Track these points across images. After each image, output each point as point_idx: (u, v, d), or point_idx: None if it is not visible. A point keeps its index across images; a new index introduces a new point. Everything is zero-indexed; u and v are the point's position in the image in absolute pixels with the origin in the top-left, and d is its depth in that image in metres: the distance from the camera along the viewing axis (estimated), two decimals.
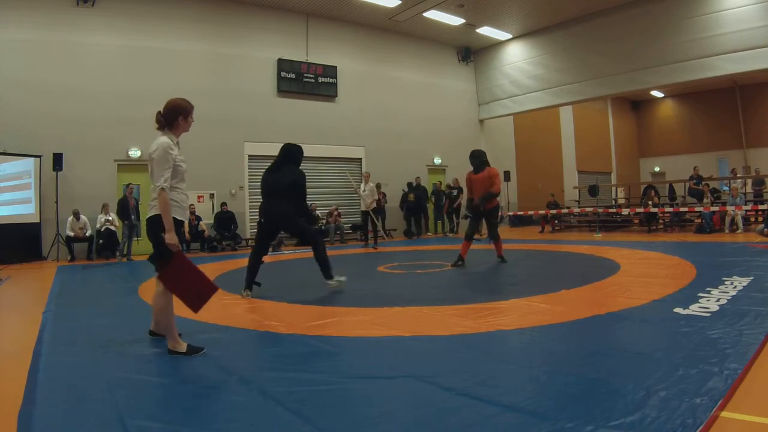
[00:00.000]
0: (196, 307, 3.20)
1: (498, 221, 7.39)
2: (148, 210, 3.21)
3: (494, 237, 7.10)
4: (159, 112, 3.21)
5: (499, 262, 7.08)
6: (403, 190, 14.27)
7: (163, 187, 3.02)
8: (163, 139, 3.13)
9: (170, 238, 3.02)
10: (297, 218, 5.18)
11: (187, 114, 3.25)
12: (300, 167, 5.24)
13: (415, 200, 14.17)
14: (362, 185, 10.74)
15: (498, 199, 7.12)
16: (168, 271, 3.07)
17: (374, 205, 10.70)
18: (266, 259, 9.64)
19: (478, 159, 7.02)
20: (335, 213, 13.13)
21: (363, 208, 10.72)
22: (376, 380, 2.57)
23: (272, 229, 5.34)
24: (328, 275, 5.22)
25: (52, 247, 9.99)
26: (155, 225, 3.08)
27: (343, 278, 5.29)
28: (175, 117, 3.21)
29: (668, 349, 2.82)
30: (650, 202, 12.59)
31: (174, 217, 3.06)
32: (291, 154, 5.23)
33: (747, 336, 2.96)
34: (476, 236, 7.01)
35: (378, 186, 13.27)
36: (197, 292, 3.15)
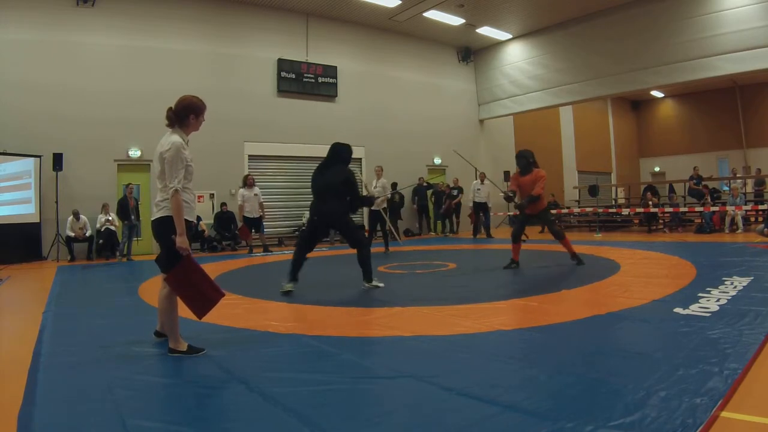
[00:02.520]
0: (201, 313, 3.18)
1: (554, 219, 6.94)
2: (152, 209, 3.15)
3: (557, 235, 6.55)
4: (170, 108, 3.14)
5: (574, 263, 6.46)
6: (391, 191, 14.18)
7: (176, 188, 2.97)
8: (176, 139, 3.06)
9: (181, 241, 2.98)
10: (348, 218, 5.28)
11: (199, 113, 3.19)
12: (349, 165, 5.35)
13: (420, 200, 14.42)
14: (374, 181, 9.95)
15: (545, 201, 6.66)
16: (175, 274, 3.04)
17: (385, 203, 9.83)
18: (266, 259, 9.63)
19: (525, 160, 6.49)
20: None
21: (373, 207, 9.60)
22: (376, 380, 2.57)
23: (324, 227, 5.39)
24: (368, 278, 5.30)
25: (52, 247, 9.98)
26: (165, 227, 3.03)
27: (381, 284, 5.34)
28: (186, 115, 3.15)
29: (668, 349, 2.83)
30: (650, 203, 12.60)
31: (185, 219, 3.02)
32: (339, 152, 5.34)
33: (747, 336, 2.96)
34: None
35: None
36: (204, 297, 3.12)
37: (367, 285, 5.29)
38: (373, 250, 9.67)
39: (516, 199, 6.53)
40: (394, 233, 12.33)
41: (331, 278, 5.54)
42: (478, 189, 12.74)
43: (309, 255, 5.38)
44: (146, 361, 3.04)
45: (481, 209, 12.81)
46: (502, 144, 17.83)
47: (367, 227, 10.47)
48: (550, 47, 14.99)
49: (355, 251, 5.34)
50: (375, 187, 9.73)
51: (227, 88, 12.06)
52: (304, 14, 13.43)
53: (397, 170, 14.41)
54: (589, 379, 2.42)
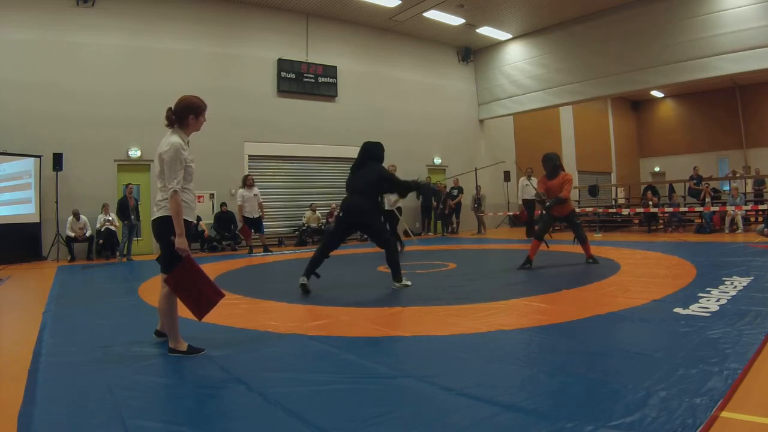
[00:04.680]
0: (200, 314, 3.17)
1: (580, 222, 6.81)
2: (152, 209, 3.14)
3: (581, 238, 6.59)
4: (170, 108, 3.13)
5: (590, 263, 6.53)
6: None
7: (176, 189, 2.96)
8: (175, 139, 3.05)
9: (181, 243, 2.97)
10: (376, 218, 5.25)
11: (199, 113, 3.18)
12: (383, 163, 5.35)
13: (424, 200, 14.43)
14: None
15: (571, 204, 6.66)
16: (175, 275, 3.03)
17: (399, 203, 9.68)
18: (266, 260, 9.62)
19: (551, 163, 6.52)
20: (335, 213, 13.14)
21: (387, 207, 9.40)
22: (376, 380, 2.56)
23: (350, 224, 5.33)
24: (398, 278, 5.28)
25: (52, 247, 9.99)
26: (164, 227, 3.03)
27: (409, 282, 5.33)
28: (186, 115, 3.13)
29: (668, 349, 2.82)
30: (650, 203, 12.60)
31: (184, 219, 3.01)
32: (369, 150, 5.34)
33: (747, 336, 2.96)
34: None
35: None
36: (203, 298, 3.12)
37: (397, 285, 5.26)
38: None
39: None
40: (408, 231, 12.45)
41: (331, 278, 5.54)
42: (526, 185, 12.11)
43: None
44: (146, 361, 3.04)
45: (529, 207, 12.24)
46: (503, 144, 17.84)
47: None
48: (550, 47, 14.99)
49: (383, 251, 5.31)
50: None
51: (227, 88, 12.06)
52: (304, 14, 13.44)
53: (397, 170, 14.40)
54: (589, 379, 2.41)
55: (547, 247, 6.73)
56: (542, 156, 6.70)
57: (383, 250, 5.31)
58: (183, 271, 3.03)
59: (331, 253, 5.38)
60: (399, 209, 10.28)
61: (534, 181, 12.15)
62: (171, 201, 2.96)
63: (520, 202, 12.60)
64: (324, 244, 5.32)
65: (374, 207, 5.19)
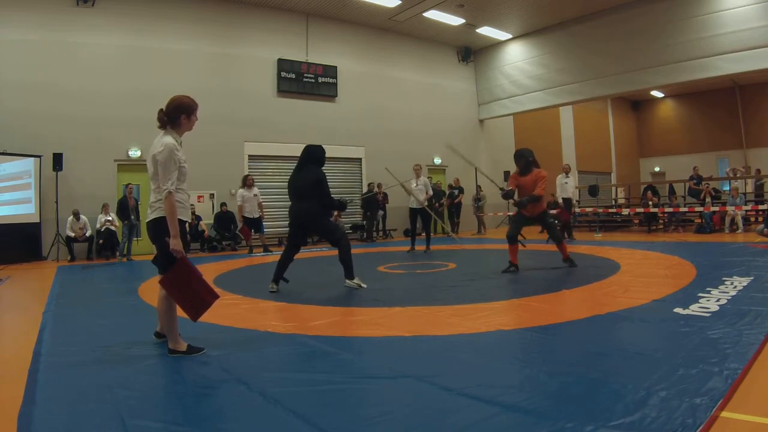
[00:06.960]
0: (194, 315, 3.16)
1: (553, 221, 6.55)
2: (148, 211, 3.15)
3: (556, 238, 6.35)
4: (161, 109, 3.13)
5: (566, 265, 6.31)
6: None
7: (170, 190, 2.96)
8: (169, 140, 3.04)
9: (175, 243, 2.96)
10: (323, 218, 5.33)
11: (190, 113, 3.17)
12: (322, 166, 5.42)
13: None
14: (413, 180, 9.59)
15: (544, 203, 6.40)
16: (169, 276, 3.03)
17: (427, 201, 9.52)
18: (266, 259, 9.61)
19: (523, 159, 6.24)
20: (335, 212, 13.13)
21: (415, 206, 9.46)
22: (376, 380, 2.56)
23: (300, 228, 5.46)
24: (350, 275, 5.36)
25: (52, 247, 9.99)
26: (159, 228, 3.03)
27: (364, 284, 5.35)
28: (177, 115, 3.13)
29: (668, 349, 2.82)
30: (650, 203, 12.61)
31: (178, 218, 3.01)
32: (311, 153, 5.42)
33: (747, 336, 2.96)
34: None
35: (379, 186, 13.28)
36: (198, 300, 3.11)
37: (348, 283, 5.33)
38: (418, 248, 9.57)
39: (515, 197, 6.42)
40: (446, 230, 12.68)
41: (332, 278, 5.54)
42: (565, 182, 11.64)
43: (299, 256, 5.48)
44: (146, 361, 3.04)
45: (568, 206, 11.61)
46: (502, 144, 17.83)
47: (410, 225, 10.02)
48: (550, 47, 14.99)
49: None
50: (416, 186, 9.44)
51: (227, 88, 12.07)
52: (304, 14, 13.44)
53: (397, 170, 14.38)
54: (589, 379, 2.41)
55: (524, 246, 6.67)
56: (515, 151, 6.53)
57: (336, 249, 5.36)
58: (177, 272, 3.03)
59: (296, 256, 5.55)
60: (431, 207, 9.88)
61: (572, 179, 11.65)
62: (166, 202, 2.96)
63: (560, 200, 11.92)
64: (287, 247, 5.49)
65: (319, 208, 5.25)
